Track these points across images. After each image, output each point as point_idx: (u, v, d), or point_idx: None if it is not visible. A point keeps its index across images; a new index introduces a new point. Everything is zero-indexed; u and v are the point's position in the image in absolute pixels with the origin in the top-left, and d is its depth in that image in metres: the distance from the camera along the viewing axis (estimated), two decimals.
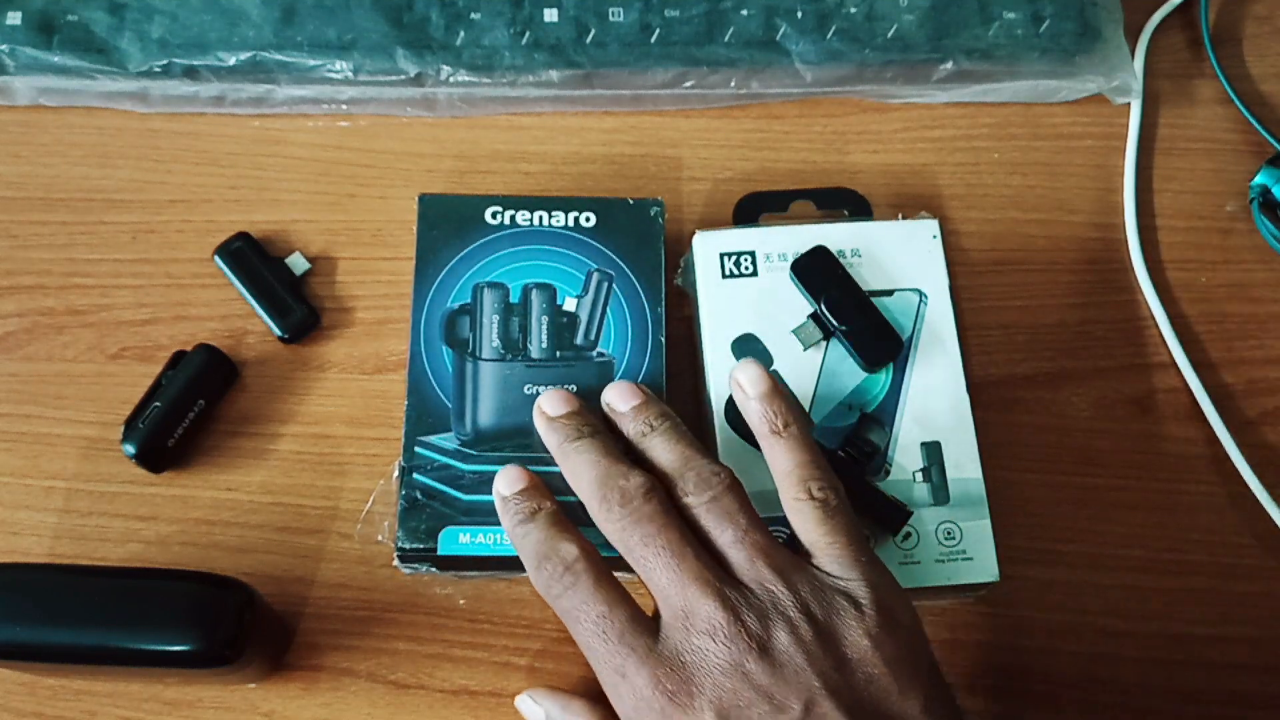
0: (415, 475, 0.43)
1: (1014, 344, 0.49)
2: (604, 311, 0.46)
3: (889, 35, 0.52)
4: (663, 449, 0.37)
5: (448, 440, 0.43)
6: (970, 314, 0.49)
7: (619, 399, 0.39)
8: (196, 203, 0.51)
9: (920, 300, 0.46)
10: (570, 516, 0.38)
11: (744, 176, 0.52)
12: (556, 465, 0.44)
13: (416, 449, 0.43)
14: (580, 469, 0.37)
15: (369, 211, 0.51)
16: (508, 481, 0.38)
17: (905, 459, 0.43)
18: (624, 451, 0.38)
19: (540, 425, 0.39)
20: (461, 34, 0.51)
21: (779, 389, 0.39)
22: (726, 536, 0.34)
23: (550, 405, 0.39)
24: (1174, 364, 0.49)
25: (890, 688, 0.32)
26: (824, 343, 0.45)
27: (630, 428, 0.38)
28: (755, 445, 0.40)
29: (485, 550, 0.42)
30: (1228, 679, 0.44)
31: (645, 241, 0.47)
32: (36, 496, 0.46)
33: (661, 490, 0.36)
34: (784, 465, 0.37)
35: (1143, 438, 0.48)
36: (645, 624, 0.34)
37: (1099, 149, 0.54)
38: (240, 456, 0.46)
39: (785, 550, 0.35)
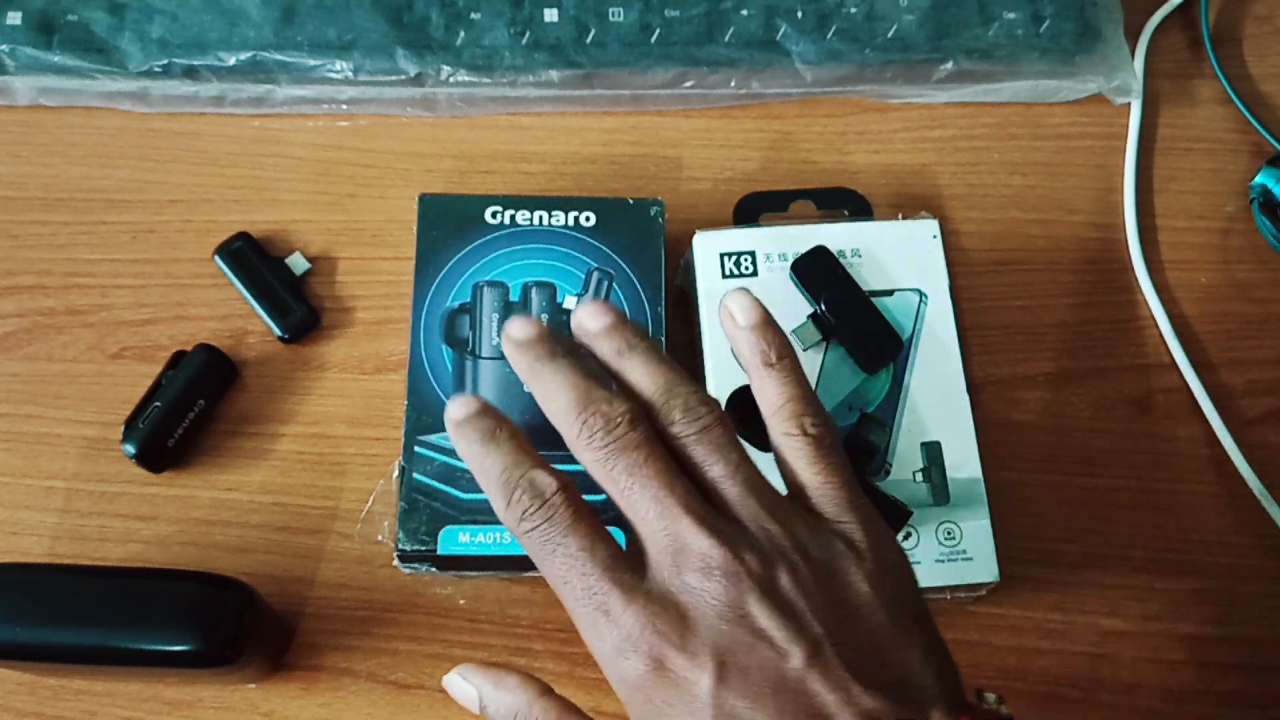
0: (415, 475, 0.43)
1: (1014, 344, 0.49)
2: None
3: (889, 35, 0.52)
4: (643, 371, 0.34)
5: (447, 440, 0.43)
6: (970, 314, 0.49)
7: (590, 318, 0.35)
8: (196, 203, 0.51)
9: (920, 300, 0.46)
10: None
11: (744, 176, 0.52)
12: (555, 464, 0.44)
13: (416, 449, 0.43)
14: (554, 390, 0.33)
15: (369, 211, 0.51)
16: (459, 405, 0.34)
17: (905, 459, 0.43)
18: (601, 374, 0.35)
19: (508, 349, 0.35)
20: (461, 34, 0.51)
21: (771, 320, 0.36)
22: (718, 470, 0.32)
23: (519, 329, 0.35)
24: (1174, 364, 0.49)
25: (891, 636, 0.31)
26: (824, 343, 0.45)
27: (604, 347, 0.34)
28: (756, 445, 0.40)
29: (485, 550, 0.42)
30: (1228, 679, 0.44)
31: (645, 241, 0.47)
32: (36, 496, 0.46)
33: (646, 417, 0.33)
34: (775, 399, 0.34)
35: (1143, 438, 0.48)
36: (630, 560, 0.31)
37: (1099, 149, 0.54)
38: (240, 456, 0.46)
39: (775, 490, 0.33)
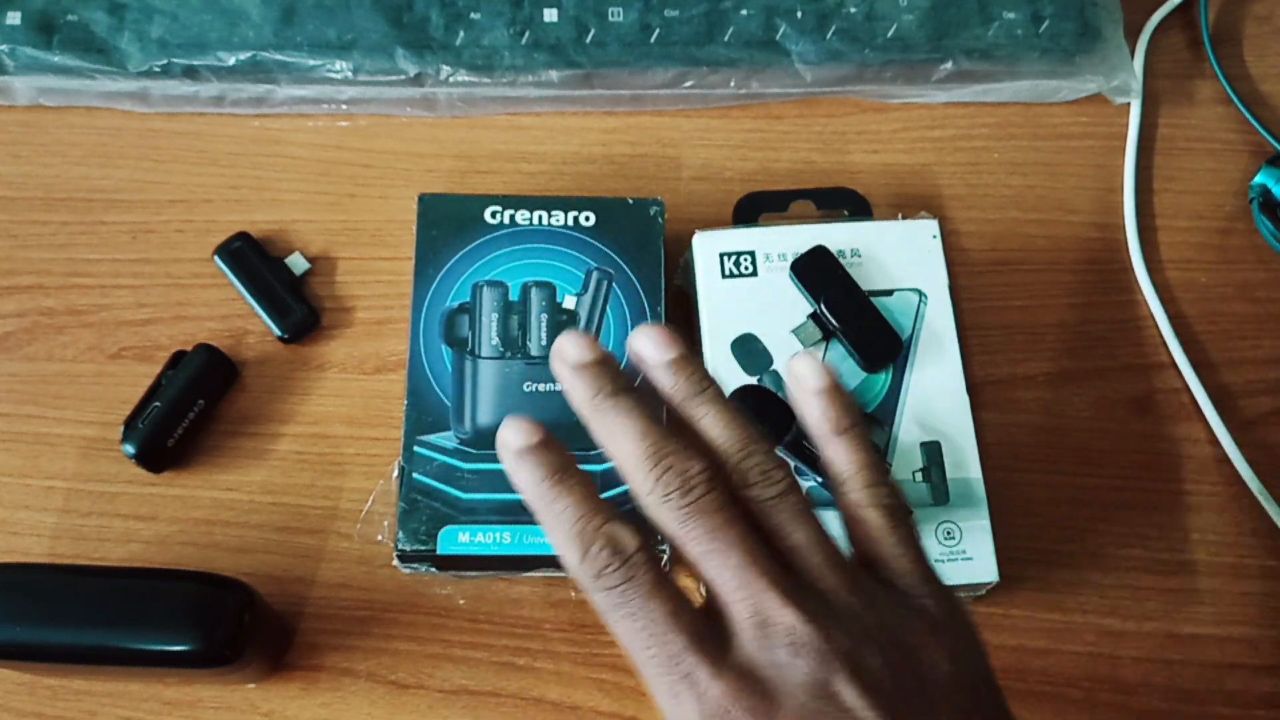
0: (415, 475, 0.43)
1: (1014, 344, 0.49)
2: (604, 310, 0.46)
3: (889, 35, 0.52)
4: (715, 422, 0.32)
5: (447, 439, 0.43)
6: (970, 314, 0.49)
7: (653, 347, 0.33)
8: (196, 203, 0.51)
9: (920, 300, 0.46)
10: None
11: (744, 176, 0.52)
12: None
13: (416, 449, 0.43)
14: (621, 437, 0.31)
15: (369, 211, 0.51)
16: (519, 432, 0.31)
17: (905, 459, 0.43)
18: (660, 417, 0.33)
19: (563, 374, 0.32)
20: (461, 34, 0.51)
21: (840, 385, 0.34)
22: (799, 538, 0.31)
23: (575, 349, 0.32)
24: (1174, 364, 0.49)
25: (970, 715, 0.30)
26: (824, 343, 0.45)
27: (671, 385, 0.32)
28: None
29: (485, 550, 0.42)
30: (1228, 679, 0.44)
31: (645, 241, 0.47)
32: (36, 496, 0.46)
33: (721, 475, 0.31)
34: (846, 468, 0.33)
35: (1143, 438, 0.48)
36: (712, 629, 0.30)
37: (1099, 149, 0.54)
38: (240, 456, 0.46)
39: (853, 563, 0.32)
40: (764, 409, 0.44)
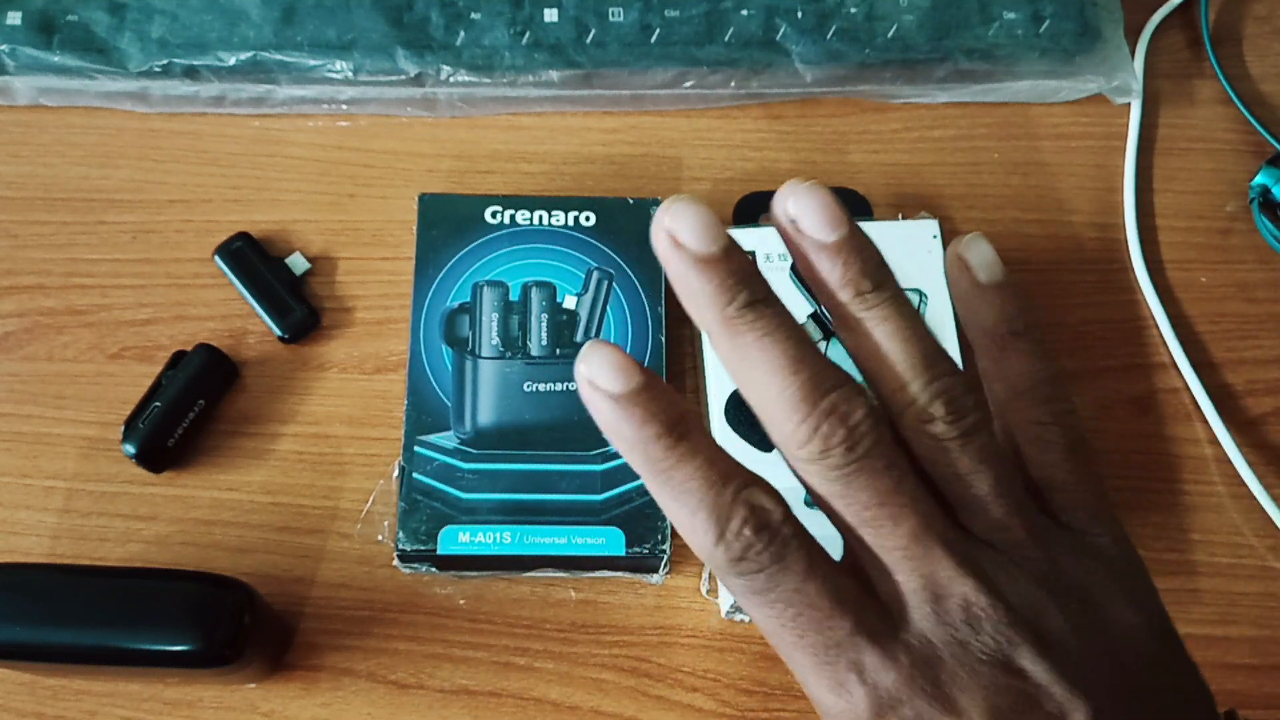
0: (415, 475, 0.43)
1: None
2: (604, 309, 0.46)
3: (889, 35, 0.52)
4: (892, 331, 0.26)
5: (447, 439, 0.43)
6: None
7: (817, 218, 0.25)
8: (196, 203, 0.51)
9: (920, 300, 0.46)
10: None
11: (744, 176, 0.52)
12: (554, 463, 0.44)
13: (416, 449, 0.43)
14: (763, 366, 0.25)
15: (369, 211, 0.51)
16: (611, 369, 0.24)
17: None
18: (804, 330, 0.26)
19: (677, 265, 0.25)
20: (461, 34, 0.51)
21: (1013, 282, 0.29)
22: (983, 487, 0.26)
23: (693, 232, 0.24)
24: (1174, 364, 0.49)
25: (1162, 665, 0.26)
26: (824, 343, 0.45)
27: (836, 275, 0.26)
28: (759, 446, 0.40)
29: (485, 550, 0.42)
30: (1228, 679, 0.44)
31: (645, 241, 0.47)
32: (36, 496, 0.46)
33: (887, 420, 0.26)
34: (1024, 378, 0.28)
35: (1143, 438, 0.48)
36: (877, 605, 0.26)
37: (1099, 149, 0.54)
38: (240, 456, 0.46)
39: (1035, 507, 0.27)
40: None
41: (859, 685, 0.25)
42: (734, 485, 0.24)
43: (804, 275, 0.26)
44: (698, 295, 0.25)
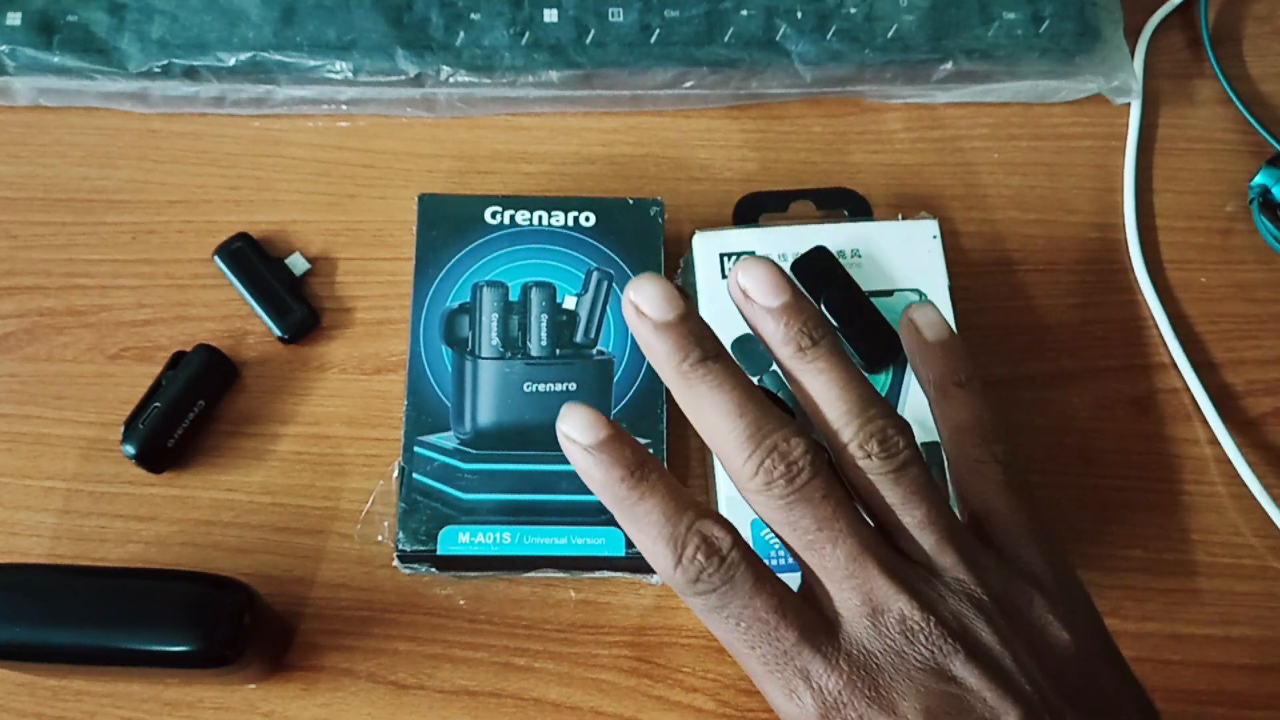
0: (415, 475, 0.43)
1: (1014, 344, 0.49)
2: (604, 310, 0.46)
3: (889, 35, 0.52)
4: (830, 380, 0.29)
5: (447, 440, 0.43)
6: (970, 314, 0.49)
7: (762, 288, 0.29)
8: (196, 203, 0.51)
9: (920, 300, 0.46)
10: None
11: (744, 176, 0.52)
12: (554, 463, 0.44)
13: (416, 449, 0.43)
14: (714, 413, 0.28)
15: (369, 211, 0.51)
16: (582, 425, 0.28)
17: None
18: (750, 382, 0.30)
19: (642, 331, 0.29)
20: (461, 34, 0.51)
21: (958, 338, 0.33)
22: (916, 516, 0.29)
23: (659, 304, 0.29)
24: (1174, 364, 0.49)
25: (1094, 681, 0.29)
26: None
27: (779, 334, 0.29)
28: None
29: (485, 550, 0.42)
30: (1228, 679, 0.44)
31: (645, 241, 0.47)
32: (36, 496, 0.46)
33: (825, 454, 0.29)
34: (963, 420, 0.32)
35: (1143, 438, 0.48)
36: (822, 620, 0.29)
37: (1099, 149, 0.54)
38: (240, 456, 0.46)
39: (966, 533, 0.30)
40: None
41: (806, 690, 0.28)
42: (688, 518, 0.28)
43: (757, 335, 0.30)
44: (658, 355, 0.29)
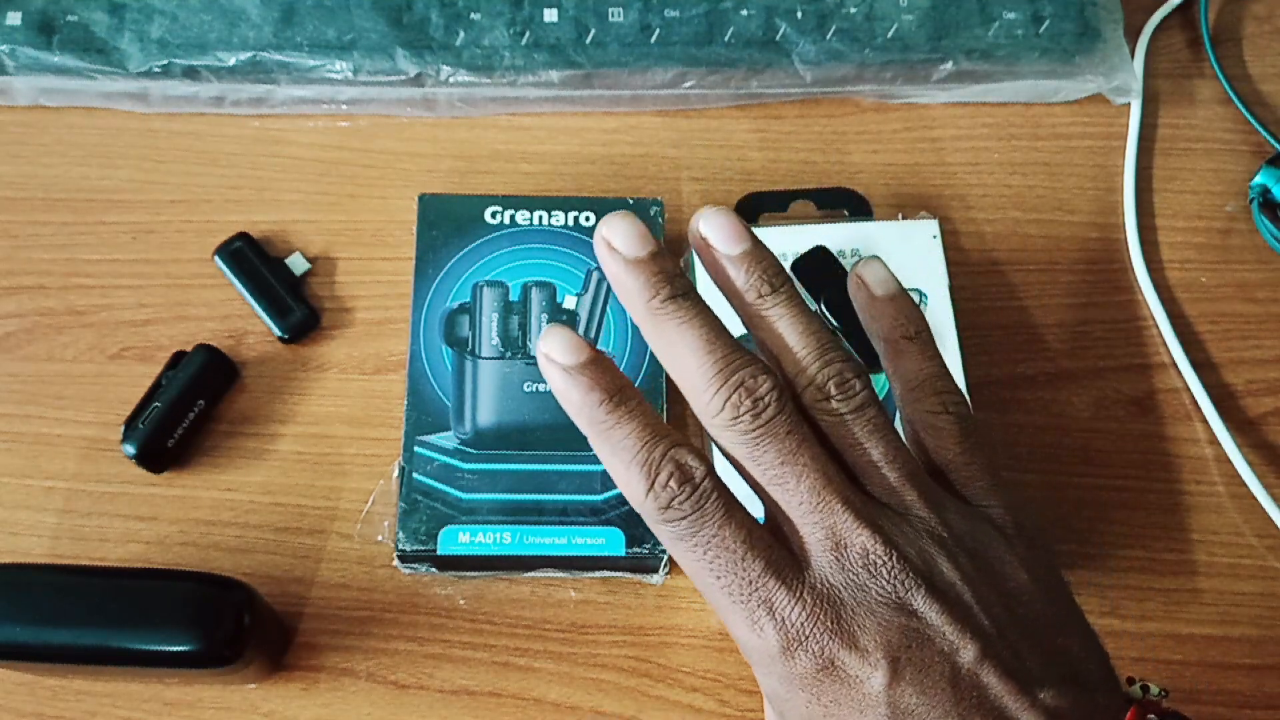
0: (415, 475, 0.43)
1: (1014, 344, 0.49)
2: (604, 310, 0.46)
3: (889, 35, 0.52)
4: (790, 326, 0.30)
5: (447, 440, 0.43)
6: (970, 314, 0.49)
7: (723, 236, 0.30)
8: (196, 203, 0.51)
9: (920, 300, 0.46)
10: None
11: (744, 176, 0.52)
12: (554, 463, 0.44)
13: (416, 449, 0.43)
14: (683, 348, 0.29)
15: (369, 211, 0.51)
16: (563, 346, 0.29)
17: None
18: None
19: (613, 267, 0.29)
20: (461, 34, 0.51)
21: (906, 292, 0.33)
22: (876, 453, 0.29)
23: (627, 240, 0.29)
24: (1174, 364, 0.49)
25: (1053, 624, 0.29)
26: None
27: (742, 281, 0.30)
28: None
29: (485, 550, 0.42)
30: (1228, 679, 0.44)
31: None
32: (36, 496, 0.46)
33: (791, 392, 0.29)
34: (916, 374, 0.32)
35: (1143, 438, 0.48)
36: (785, 553, 0.29)
37: (1099, 149, 0.54)
38: (240, 456, 0.46)
39: (925, 474, 0.31)
40: None
41: (769, 621, 0.28)
42: (663, 445, 0.28)
43: (718, 284, 0.31)
44: (629, 290, 0.29)
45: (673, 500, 0.28)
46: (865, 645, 0.28)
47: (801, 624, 0.28)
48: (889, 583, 0.28)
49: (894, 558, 0.28)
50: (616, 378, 0.29)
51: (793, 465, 0.28)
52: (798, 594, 0.28)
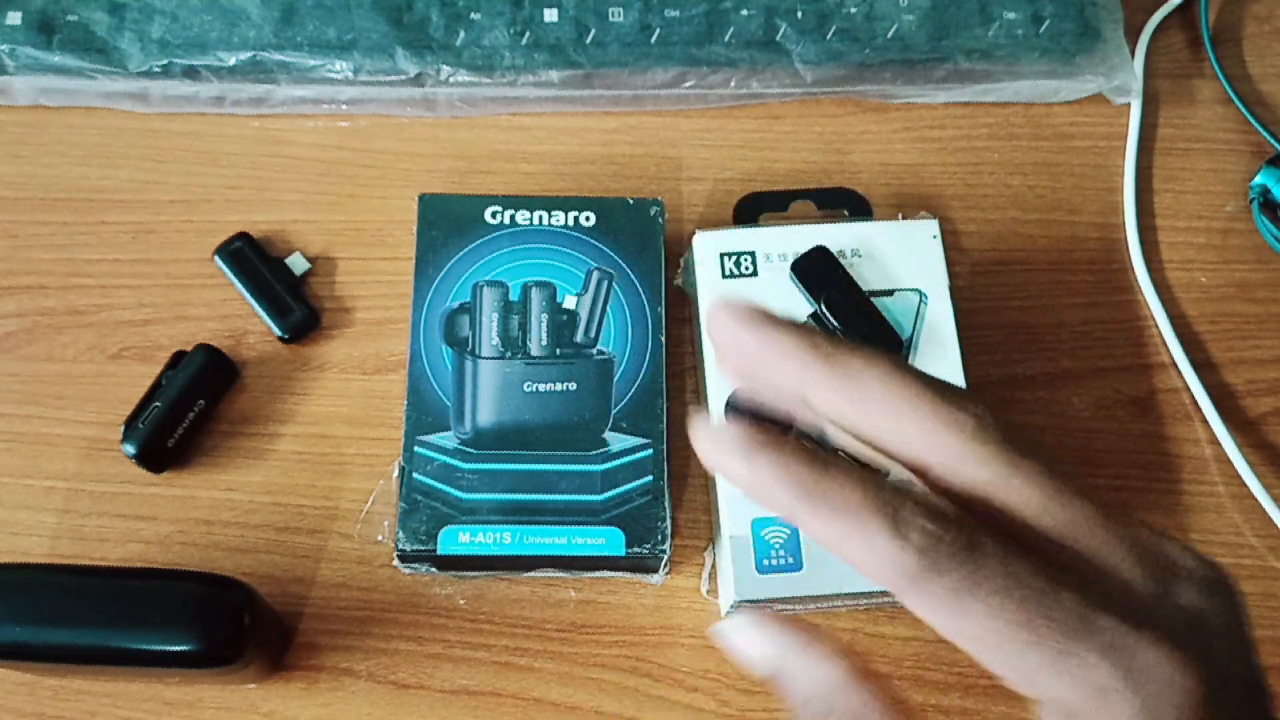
0: (415, 475, 0.43)
1: (1014, 344, 0.49)
2: (604, 309, 0.46)
3: (889, 35, 0.52)
4: (926, 411, 0.23)
5: (447, 439, 0.43)
6: (970, 314, 0.49)
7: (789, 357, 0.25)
8: (196, 203, 0.51)
9: (920, 300, 0.46)
10: None
11: (744, 176, 0.52)
12: (554, 463, 0.44)
13: (416, 449, 0.43)
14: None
15: (369, 211, 0.51)
16: (734, 437, 0.23)
17: None
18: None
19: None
20: (461, 34, 0.51)
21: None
22: (1084, 536, 0.25)
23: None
24: (1174, 364, 0.49)
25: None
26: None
27: (821, 398, 0.24)
28: None
29: (485, 550, 0.42)
30: None
31: (645, 241, 0.47)
32: (36, 496, 0.46)
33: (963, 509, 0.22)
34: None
35: (1143, 438, 0.48)
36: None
37: (1099, 149, 0.54)
38: (240, 456, 0.46)
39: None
40: (761, 411, 0.44)
41: (1120, 670, 0.21)
42: (888, 482, 0.22)
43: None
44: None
45: (937, 543, 0.21)
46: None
47: (1161, 664, 0.21)
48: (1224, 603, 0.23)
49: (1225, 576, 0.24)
50: (809, 446, 0.22)
51: (1015, 593, 0.21)
52: (1140, 626, 0.21)
